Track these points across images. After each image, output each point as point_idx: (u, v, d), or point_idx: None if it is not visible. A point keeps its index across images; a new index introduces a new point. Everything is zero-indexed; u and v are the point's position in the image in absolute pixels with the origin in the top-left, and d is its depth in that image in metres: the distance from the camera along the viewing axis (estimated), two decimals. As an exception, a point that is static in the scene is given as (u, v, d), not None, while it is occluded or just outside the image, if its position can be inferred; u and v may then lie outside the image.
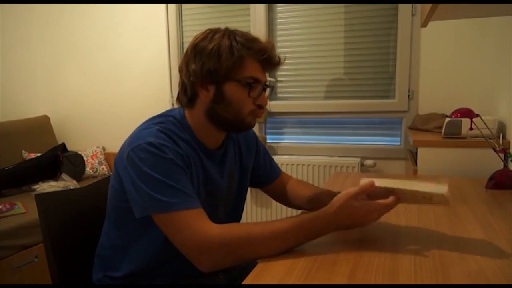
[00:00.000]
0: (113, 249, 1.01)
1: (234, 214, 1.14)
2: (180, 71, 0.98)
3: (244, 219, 1.27)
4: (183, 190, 0.86)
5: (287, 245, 0.85)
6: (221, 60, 0.91)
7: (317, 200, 1.12)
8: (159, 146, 0.87)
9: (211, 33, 0.95)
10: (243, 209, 1.18)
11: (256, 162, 1.18)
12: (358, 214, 0.85)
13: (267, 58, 0.95)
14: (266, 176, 1.21)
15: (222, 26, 0.97)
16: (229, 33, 0.94)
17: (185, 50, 0.98)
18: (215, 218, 0.88)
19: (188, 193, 0.87)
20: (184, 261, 0.90)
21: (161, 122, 0.95)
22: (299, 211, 1.15)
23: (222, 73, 0.92)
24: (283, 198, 1.21)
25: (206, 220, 0.86)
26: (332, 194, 1.11)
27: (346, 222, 0.86)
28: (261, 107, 0.98)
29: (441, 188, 0.82)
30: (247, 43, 0.93)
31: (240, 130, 1.02)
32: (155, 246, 0.96)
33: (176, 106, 1.04)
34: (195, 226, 0.84)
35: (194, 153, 0.96)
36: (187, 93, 0.97)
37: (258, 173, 1.19)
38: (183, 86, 0.98)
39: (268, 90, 1.00)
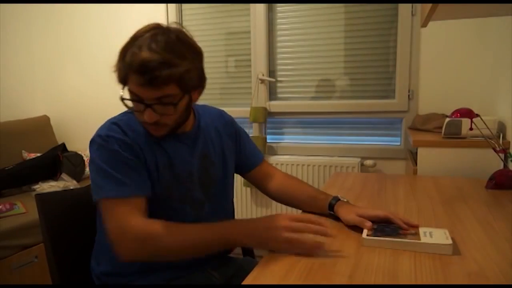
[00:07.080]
0: (100, 245, 1.04)
1: (222, 209, 1.11)
2: None
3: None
4: (121, 179, 0.89)
5: (199, 249, 0.88)
6: (123, 63, 0.89)
7: (296, 199, 1.14)
8: (105, 138, 0.92)
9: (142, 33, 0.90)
10: (232, 204, 1.18)
11: (237, 146, 1.17)
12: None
13: (136, 74, 0.86)
14: (248, 161, 1.20)
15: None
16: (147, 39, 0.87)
17: None
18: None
19: (125, 182, 0.90)
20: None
21: (120, 118, 0.99)
22: (299, 211, 1.15)
23: (122, 77, 0.91)
24: (264, 186, 1.20)
25: (134, 211, 0.88)
26: (317, 194, 1.11)
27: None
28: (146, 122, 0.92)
29: (445, 242, 0.83)
30: (131, 56, 0.86)
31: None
32: None
33: None
34: (119, 216, 0.88)
35: (148, 141, 0.96)
36: None
37: (241, 157, 1.18)
38: None
39: (148, 109, 0.89)
